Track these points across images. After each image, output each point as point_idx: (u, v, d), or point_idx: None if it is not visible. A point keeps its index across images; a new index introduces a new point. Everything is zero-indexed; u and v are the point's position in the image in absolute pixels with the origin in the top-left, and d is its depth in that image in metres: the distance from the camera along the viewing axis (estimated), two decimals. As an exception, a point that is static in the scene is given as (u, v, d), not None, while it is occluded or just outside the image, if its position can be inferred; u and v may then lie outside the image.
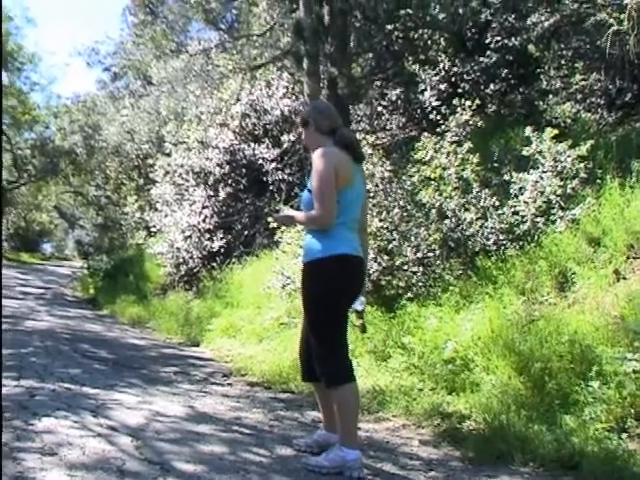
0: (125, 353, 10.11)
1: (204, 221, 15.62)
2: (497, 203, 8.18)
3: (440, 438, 5.46)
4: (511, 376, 5.96)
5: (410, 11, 13.59)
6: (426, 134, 9.19)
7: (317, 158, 4.68)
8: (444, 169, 8.62)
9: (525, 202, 8.02)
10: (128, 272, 20.32)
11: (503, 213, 8.06)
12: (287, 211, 6.10)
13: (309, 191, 4.77)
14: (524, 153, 8.39)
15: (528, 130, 8.47)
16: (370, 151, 9.47)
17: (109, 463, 4.49)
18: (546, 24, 11.56)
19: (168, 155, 18.76)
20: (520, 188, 8.21)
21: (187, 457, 4.72)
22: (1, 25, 16.33)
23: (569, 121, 10.23)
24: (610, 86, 10.99)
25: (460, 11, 13.30)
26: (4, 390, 6.72)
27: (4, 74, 37.41)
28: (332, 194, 4.58)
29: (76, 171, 40.41)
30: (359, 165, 4.95)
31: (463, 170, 8.52)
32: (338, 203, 4.61)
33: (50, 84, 44.97)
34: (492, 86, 12.39)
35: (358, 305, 4.97)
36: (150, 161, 23.09)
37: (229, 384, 7.80)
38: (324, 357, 4.68)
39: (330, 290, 4.66)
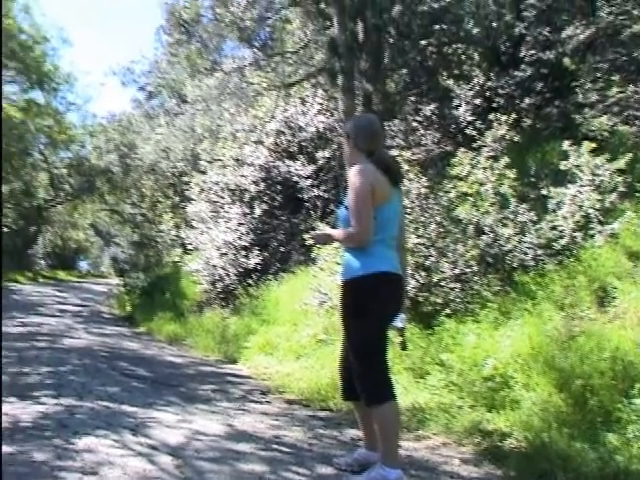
0: (163, 371, 10.13)
1: (240, 238, 15.65)
2: (535, 218, 8.14)
3: (481, 456, 5.42)
4: (552, 393, 5.90)
5: (444, 26, 13.58)
6: (462, 149, 9.16)
7: (353, 175, 4.68)
8: (481, 184, 8.59)
9: (563, 217, 7.97)
10: (164, 289, 20.37)
11: (541, 228, 8.01)
12: (324, 229, 6.09)
13: (346, 208, 4.76)
14: (561, 167, 8.34)
15: (565, 144, 8.41)
16: (406, 167, 9.45)
17: (150, 483, 4.51)
18: (581, 37, 11.50)
19: (203, 173, 18.84)
20: (558, 203, 8.16)
21: (227, 476, 4.72)
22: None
23: (606, 134, 10.13)
24: (647, 98, 10.91)
25: (494, 25, 13.27)
26: (44, 408, 6.80)
27: (41, 94, 37.85)
28: (369, 211, 4.57)
29: (112, 189, 40.81)
30: (398, 186, 4.92)
31: (500, 185, 8.48)
32: (375, 220, 4.60)
33: (86, 103, 45.59)
34: (527, 100, 12.33)
35: (399, 322, 4.98)
36: (185, 179, 23.25)
37: (267, 402, 7.78)
38: (364, 375, 4.65)
39: (369, 308, 4.62)
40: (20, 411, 6.62)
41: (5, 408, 6.74)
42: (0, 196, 18.60)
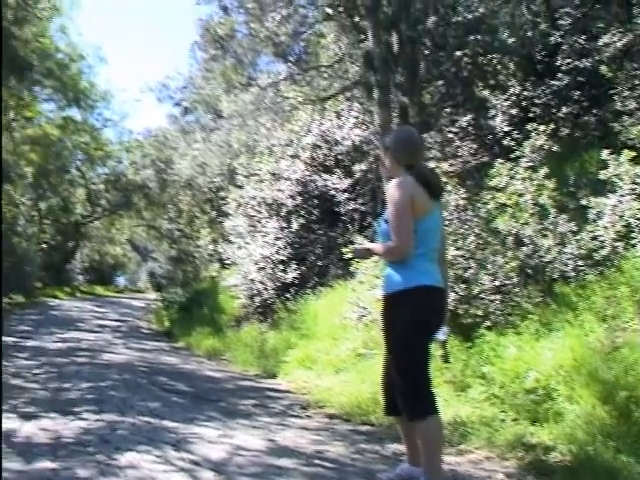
0: (203, 386, 10.15)
1: (277, 252, 15.67)
2: (575, 228, 8.06)
3: (525, 471, 5.35)
4: (595, 405, 5.83)
5: (479, 36, 13.53)
6: (500, 160, 9.11)
7: (393, 188, 4.67)
8: (520, 195, 8.52)
9: (604, 227, 7.88)
10: (202, 304, 20.43)
11: (581, 238, 7.93)
12: (364, 243, 6.05)
13: (385, 221, 4.75)
14: (601, 177, 8.24)
15: (604, 153, 8.32)
16: (444, 179, 9.42)
17: (193, 499, 4.51)
18: (618, 44, 11.40)
19: (240, 187, 18.91)
20: (598, 212, 8.07)
21: (270, 492, 4.71)
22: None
23: (646, 142, 10.05)
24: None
25: (529, 34, 13.21)
26: (86, 424, 6.83)
27: (77, 111, 38.20)
28: (408, 224, 4.55)
29: (149, 205, 41.10)
30: (438, 200, 4.89)
31: (539, 196, 8.41)
32: (416, 233, 4.57)
33: (122, 120, 45.91)
34: (564, 109, 12.23)
35: (441, 335, 5.00)
36: (222, 194, 23.33)
37: (308, 416, 7.77)
38: (407, 390, 4.60)
39: (411, 322, 4.60)
40: (62, 427, 6.65)
41: (46, 424, 6.81)
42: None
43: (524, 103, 12.57)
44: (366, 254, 5.11)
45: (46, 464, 5.22)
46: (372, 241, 10.45)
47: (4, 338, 15.64)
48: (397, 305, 4.68)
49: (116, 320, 24.31)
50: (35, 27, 25.73)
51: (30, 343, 15.17)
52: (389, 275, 4.78)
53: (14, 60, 20.26)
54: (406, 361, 4.63)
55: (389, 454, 5.95)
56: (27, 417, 7.12)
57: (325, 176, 16.12)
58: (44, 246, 39.61)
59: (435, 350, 8.09)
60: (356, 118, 16.52)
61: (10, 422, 6.85)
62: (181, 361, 13.70)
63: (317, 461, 5.61)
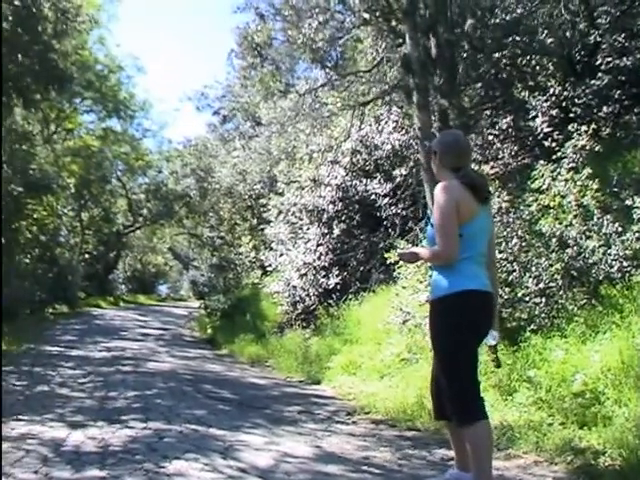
0: (247, 393, 10.18)
1: (319, 258, 15.69)
2: (620, 229, 7.96)
3: (575, 475, 5.30)
4: (645, 408, 5.77)
5: (517, 38, 13.43)
6: (542, 162, 9.05)
7: (438, 192, 4.65)
8: (562, 197, 8.46)
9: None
10: (245, 311, 20.48)
11: (627, 239, 7.82)
12: (408, 247, 6.05)
13: (432, 225, 4.72)
14: (645, 176, 8.16)
15: (648, 152, 8.24)
16: (486, 182, 9.39)
17: (242, 506, 4.51)
18: (659, 42, 11.29)
19: (281, 194, 18.98)
20: (643, 212, 7.98)
21: (319, 499, 4.71)
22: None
23: (689, 140, 9.94)
24: None
25: (568, 34, 13.10)
26: (133, 432, 6.88)
27: (117, 121, 38.54)
28: (454, 229, 4.51)
29: (190, 213, 41.33)
30: (486, 204, 4.82)
31: (582, 197, 8.33)
32: (461, 237, 4.53)
33: (161, 129, 46.20)
34: (605, 109, 12.12)
35: (491, 339, 4.90)
36: (263, 201, 23.39)
37: (354, 422, 7.75)
38: (455, 395, 4.56)
39: (458, 327, 4.55)
40: (110, 435, 6.71)
41: (94, 432, 6.87)
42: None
43: (564, 104, 12.45)
44: (412, 258, 5.07)
45: (95, 472, 5.26)
46: (414, 245, 10.48)
47: (49, 348, 15.85)
48: (443, 310, 4.64)
49: (159, 328, 24.44)
50: (74, 40, 25.96)
51: (75, 352, 15.31)
52: (436, 280, 4.75)
53: (54, 72, 20.45)
54: (452, 366, 4.58)
55: (437, 460, 5.93)
56: (75, 426, 7.19)
57: (365, 181, 16.11)
58: (87, 256, 39.96)
59: (486, 355, 8.06)
60: (395, 122, 16.49)
61: (58, 431, 6.93)
62: (225, 368, 13.74)
63: (364, 467, 5.61)
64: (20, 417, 7.70)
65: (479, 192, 4.70)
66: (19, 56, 19.33)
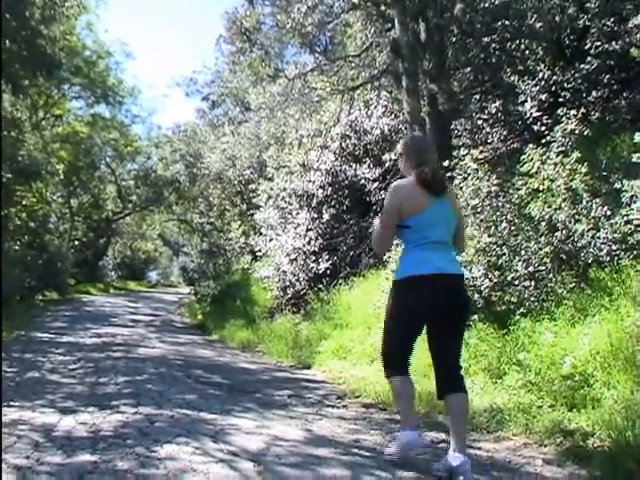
0: (238, 378, 10.19)
1: (309, 243, 15.70)
2: (608, 213, 7.98)
3: (564, 457, 5.33)
4: (634, 391, 5.80)
5: (506, 22, 13.42)
6: (531, 146, 9.06)
7: (387, 193, 5.39)
8: (552, 180, 8.48)
9: (638, 210, 7.80)
10: (235, 297, 20.49)
11: (615, 222, 7.84)
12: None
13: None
14: (634, 160, 8.15)
15: (636, 136, 8.21)
16: (475, 166, 9.42)
17: (234, 489, 4.53)
18: (648, 26, 11.29)
19: (270, 179, 18.98)
20: (632, 196, 7.98)
21: (310, 481, 4.73)
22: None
23: (678, 124, 9.95)
24: None
25: (557, 19, 13.10)
26: (124, 417, 6.89)
27: (106, 107, 38.43)
28: (386, 228, 5.33)
29: (179, 199, 41.30)
30: (440, 196, 5.26)
31: (571, 180, 8.36)
32: (410, 228, 5.20)
33: (150, 115, 46.24)
34: (594, 93, 12.15)
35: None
36: (252, 186, 23.38)
37: (344, 406, 7.77)
38: (383, 354, 5.49)
39: (398, 307, 5.32)
40: (101, 420, 6.70)
41: (85, 417, 6.86)
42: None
43: (553, 88, 12.48)
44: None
45: (86, 457, 5.26)
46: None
47: (39, 334, 15.85)
48: (392, 291, 5.43)
49: (149, 314, 24.44)
50: (62, 25, 25.83)
51: (65, 339, 15.30)
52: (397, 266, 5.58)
53: (42, 58, 20.36)
54: (387, 333, 5.45)
55: (427, 442, 5.94)
56: (65, 411, 7.18)
57: (355, 166, 16.13)
58: (76, 243, 39.90)
59: (475, 338, 8.11)
60: (384, 107, 16.51)
61: (49, 416, 6.92)
62: (215, 354, 13.76)
63: (355, 450, 5.63)
64: (11, 403, 7.68)
65: (431, 187, 5.22)
66: (7, 42, 19.23)
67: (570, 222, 8.15)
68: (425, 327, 5.34)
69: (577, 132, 9.11)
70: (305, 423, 6.69)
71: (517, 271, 8.29)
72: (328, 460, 5.26)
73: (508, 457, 5.46)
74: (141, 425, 6.48)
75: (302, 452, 5.50)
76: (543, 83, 12.59)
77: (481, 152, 10.31)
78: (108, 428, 6.35)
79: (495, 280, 8.44)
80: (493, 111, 14.31)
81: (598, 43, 12.00)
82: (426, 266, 5.13)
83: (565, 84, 12.36)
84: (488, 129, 14.58)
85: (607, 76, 12.05)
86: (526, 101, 12.73)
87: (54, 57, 22.16)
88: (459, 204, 6.21)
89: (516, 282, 8.30)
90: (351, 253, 15.49)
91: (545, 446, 5.66)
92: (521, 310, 8.06)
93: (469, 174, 9.59)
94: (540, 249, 8.21)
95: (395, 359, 5.38)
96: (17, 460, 5.18)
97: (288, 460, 5.24)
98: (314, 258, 15.56)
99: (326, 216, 15.98)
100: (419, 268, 5.15)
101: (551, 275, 8.13)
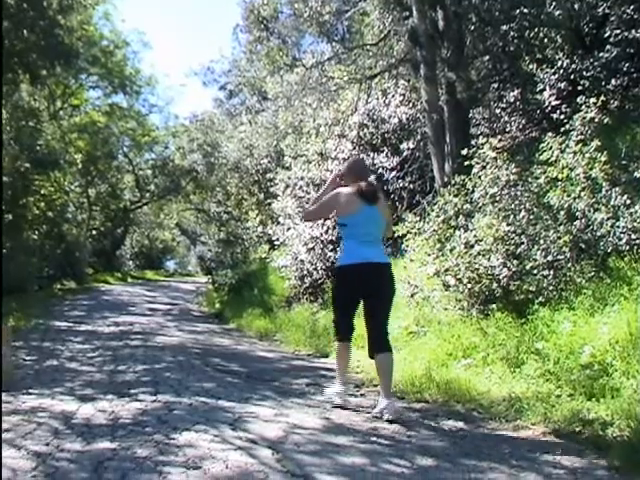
0: (256, 366, 10.20)
1: (326, 232, 15.66)
2: (628, 201, 7.94)
3: (583, 446, 5.30)
4: (653, 380, 5.78)
5: (525, 10, 13.33)
6: (550, 134, 9.02)
7: (332, 193, 7.02)
8: (571, 169, 8.44)
9: (658, 199, 7.77)
10: (253, 286, 20.47)
11: (635, 211, 7.80)
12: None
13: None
14: (654, 149, 8.13)
15: (658, 125, 8.19)
16: (493, 154, 9.40)
17: (252, 476, 4.54)
18: (669, 13, 11.21)
19: (288, 169, 18.94)
20: (652, 185, 7.96)
21: (329, 469, 4.73)
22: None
23: (698, 112, 9.88)
24: None
25: (576, 6, 12.99)
26: (143, 405, 6.91)
27: (123, 97, 38.49)
28: (321, 213, 7.57)
29: (197, 189, 41.26)
30: (374, 204, 6.85)
31: (591, 169, 8.31)
32: (346, 226, 6.91)
33: (167, 105, 46.07)
34: (614, 81, 12.06)
35: None
36: (270, 175, 23.34)
37: (362, 395, 7.77)
38: (332, 323, 7.40)
39: (338, 287, 7.19)
40: (119, 408, 6.73)
41: (104, 405, 6.89)
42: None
43: (572, 76, 12.39)
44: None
45: (105, 444, 5.28)
46: (422, 219, 10.54)
47: (58, 323, 15.93)
48: (334, 275, 7.37)
49: (167, 303, 24.51)
50: (80, 15, 25.88)
51: (84, 327, 15.37)
52: None
53: (60, 48, 20.37)
54: (333, 307, 7.29)
55: (445, 431, 5.94)
56: (84, 399, 7.22)
57: (372, 155, 16.08)
58: (94, 232, 40.04)
59: (494, 327, 8.10)
60: (402, 95, 16.46)
61: (68, 404, 6.96)
62: (233, 342, 13.78)
63: (373, 438, 5.62)
64: (30, 391, 7.74)
65: (365, 197, 6.81)
66: (25, 32, 19.28)
67: (589, 211, 8.12)
68: (362, 304, 6.90)
69: (596, 120, 9.05)
70: (323, 412, 6.69)
71: (536, 260, 8.27)
72: (346, 448, 5.26)
73: (527, 446, 5.45)
74: (160, 413, 6.51)
75: (320, 440, 5.51)
76: (562, 71, 12.52)
77: (500, 141, 10.27)
78: (127, 416, 6.38)
79: (514, 269, 8.42)
80: (511, 100, 14.25)
81: (618, 31, 11.91)
82: (358, 257, 6.72)
83: (584, 72, 12.28)
84: (506, 118, 14.51)
85: (627, 64, 11.96)
86: (545, 90, 12.67)
87: (72, 47, 22.17)
88: (388, 210, 7.48)
89: (535, 271, 8.27)
90: (369, 242, 15.46)
91: (564, 435, 5.63)
92: (540, 299, 8.05)
93: (487, 163, 9.57)
94: (559, 238, 8.17)
95: (340, 329, 7.04)
96: (37, 447, 5.21)
97: (306, 448, 5.25)
98: (331, 247, 15.53)
99: (344, 205, 15.94)
100: (353, 258, 6.76)
101: (570, 264, 8.10)
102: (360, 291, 6.80)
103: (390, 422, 6.18)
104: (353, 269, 6.74)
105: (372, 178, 8.28)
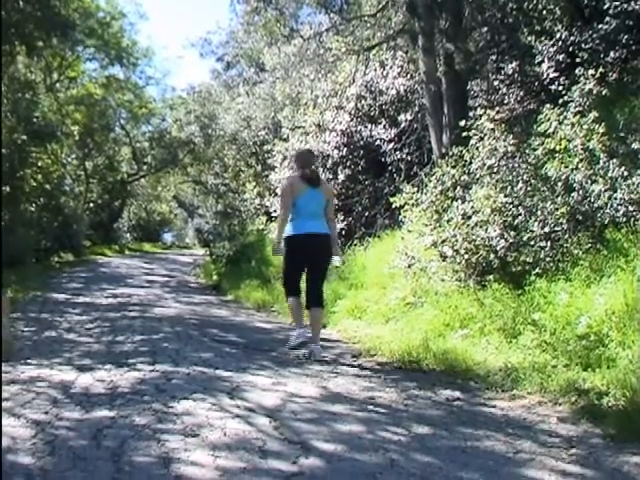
0: (253, 336, 10.25)
1: (323, 204, 15.65)
2: (626, 173, 7.93)
3: (578, 415, 5.34)
4: (649, 350, 5.80)
5: (524, -19, 13.26)
6: (548, 106, 9.01)
7: (283, 181, 9.25)
8: (569, 141, 8.43)
9: (656, 171, 7.77)
10: (250, 258, 20.48)
11: (633, 183, 7.79)
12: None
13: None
14: (652, 120, 8.12)
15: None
16: (491, 126, 9.40)
17: (250, 443, 4.58)
18: (669, -16, 11.13)
19: (285, 140, 18.91)
20: (649, 156, 7.96)
21: (326, 436, 4.77)
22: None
23: (697, 85, 9.85)
24: None
25: (575, -23, 12.93)
26: (141, 374, 6.96)
27: (120, 69, 38.33)
28: (286, 202, 8.46)
29: (194, 161, 41.16)
30: (316, 186, 8.45)
31: (589, 141, 8.31)
32: (295, 205, 8.31)
33: (164, 77, 45.87)
34: (612, 53, 11.99)
35: (335, 262, 8.98)
36: (267, 147, 23.28)
37: (359, 364, 7.80)
38: (283, 284, 8.95)
39: (287, 253, 8.54)
40: (118, 377, 6.77)
41: (102, 375, 6.94)
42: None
43: (571, 48, 12.33)
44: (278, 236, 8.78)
45: (104, 413, 5.32)
46: (419, 190, 10.58)
47: (56, 295, 15.97)
48: (284, 244, 8.51)
49: (165, 275, 24.55)
50: (76, -14, 25.74)
51: (81, 299, 15.42)
52: None
53: (56, 19, 20.24)
54: (283, 270, 8.84)
55: (442, 400, 5.98)
56: (83, 369, 7.27)
57: (370, 126, 16.06)
58: (91, 205, 39.98)
59: (491, 298, 8.12)
60: (400, 67, 16.39)
61: (67, 374, 7.01)
62: (231, 313, 13.83)
63: (370, 407, 5.66)
64: (29, 361, 7.80)
65: (309, 181, 8.41)
66: (21, 3, 19.16)
67: (587, 182, 8.12)
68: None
69: (595, 93, 9.04)
70: (320, 381, 6.73)
71: (533, 231, 8.28)
72: (344, 416, 5.31)
73: (523, 415, 5.49)
74: (158, 382, 6.55)
75: (318, 408, 5.55)
76: (560, 43, 12.45)
77: (497, 113, 10.26)
78: (125, 385, 6.42)
79: (511, 240, 8.44)
80: (510, 72, 14.18)
81: (617, 3, 11.82)
82: (302, 229, 8.26)
83: (583, 44, 12.21)
84: (504, 90, 14.45)
85: (625, 36, 11.88)
86: (543, 61, 12.61)
87: (68, 18, 22.05)
88: (331, 191, 9.20)
89: (532, 242, 8.29)
90: (366, 214, 15.48)
91: (560, 404, 5.67)
92: (537, 270, 8.06)
93: (485, 134, 9.56)
94: (556, 209, 8.18)
95: (289, 286, 8.57)
96: (36, 415, 5.25)
97: (304, 416, 5.29)
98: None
99: (341, 177, 15.94)
100: (298, 230, 8.28)
101: (567, 236, 8.11)
102: (304, 256, 8.37)
103: (317, 361, 7.86)
104: (298, 239, 8.29)
105: (315, 166, 9.77)
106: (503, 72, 14.09)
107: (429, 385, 6.57)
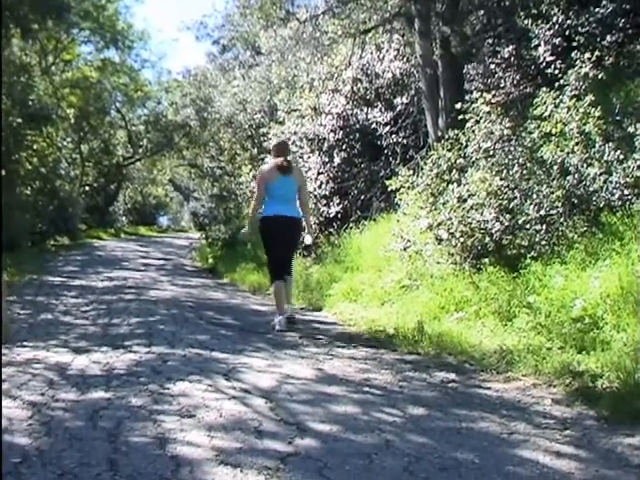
0: (249, 319, 10.27)
1: (320, 187, 15.66)
2: (621, 157, 7.93)
3: (573, 397, 5.37)
4: (643, 333, 5.82)
5: (521, -37, 13.21)
6: (544, 89, 9.01)
7: (258, 170, 10.27)
8: (565, 124, 8.43)
9: (651, 154, 7.77)
10: (246, 241, 20.49)
11: (628, 167, 7.80)
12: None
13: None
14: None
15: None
16: (487, 109, 9.41)
17: (246, 424, 4.61)
18: (666, -32, 11.11)
19: (281, 123, 18.87)
20: (645, 141, 7.95)
21: (321, 417, 4.80)
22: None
23: (693, 70, 9.84)
24: None
25: (572, -39, 12.88)
26: (137, 356, 6.99)
27: (115, 52, 38.20)
28: (260, 189, 9.38)
29: (190, 144, 41.05)
30: (288, 173, 9.25)
31: (584, 124, 8.31)
32: (268, 190, 9.19)
33: (160, 60, 45.41)
34: (609, 37, 11.96)
35: (306, 240, 9.73)
36: (263, 130, 23.22)
37: (355, 347, 7.81)
38: (267, 267, 9.79)
39: (262, 234, 9.43)
40: (114, 359, 6.80)
41: (98, 357, 6.97)
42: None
43: (567, 32, 12.30)
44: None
45: (100, 394, 5.35)
46: (414, 173, 10.61)
47: (51, 278, 15.98)
48: (259, 225, 9.45)
49: (160, 259, 24.56)
50: (70, -32, 25.57)
51: (77, 282, 15.44)
52: None
53: (51, 1, 20.17)
54: (265, 252, 9.62)
55: (436, 382, 6.01)
56: (79, 351, 7.29)
57: (366, 110, 16.02)
58: (87, 188, 39.98)
59: (486, 282, 8.15)
60: (396, 50, 16.34)
61: (63, 356, 7.03)
62: (226, 296, 13.85)
63: (365, 388, 5.69)
64: (25, 343, 7.81)
65: (282, 169, 9.22)
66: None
67: (582, 166, 8.12)
68: None
69: (591, 76, 9.05)
70: (316, 362, 6.76)
71: (528, 215, 8.29)
72: (339, 398, 5.33)
73: (517, 397, 5.52)
74: (154, 364, 6.58)
75: (313, 390, 5.59)
76: (557, 27, 12.41)
77: (493, 96, 10.26)
78: (121, 367, 6.45)
79: (506, 223, 8.45)
80: (506, 55, 14.13)
81: (614, -14, 11.82)
82: (274, 211, 9.08)
83: (579, 28, 12.17)
84: (501, 73, 14.41)
85: (622, 20, 11.85)
86: (539, 45, 12.58)
87: (63, 1, 21.95)
88: (304, 178, 10.26)
89: (527, 226, 8.31)
90: (362, 197, 15.45)
91: (554, 386, 5.70)
92: (532, 254, 8.08)
93: (481, 117, 9.58)
94: (552, 193, 8.18)
95: (275, 267, 9.28)
96: (32, 397, 5.27)
97: (299, 397, 5.32)
98: (325, 202, 15.54)
99: (337, 160, 15.92)
100: (271, 212, 9.13)
101: (562, 219, 8.12)
102: (277, 237, 9.16)
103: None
104: (269, 219, 9.19)
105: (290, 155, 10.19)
106: (499, 55, 14.05)
107: (424, 367, 6.60)
